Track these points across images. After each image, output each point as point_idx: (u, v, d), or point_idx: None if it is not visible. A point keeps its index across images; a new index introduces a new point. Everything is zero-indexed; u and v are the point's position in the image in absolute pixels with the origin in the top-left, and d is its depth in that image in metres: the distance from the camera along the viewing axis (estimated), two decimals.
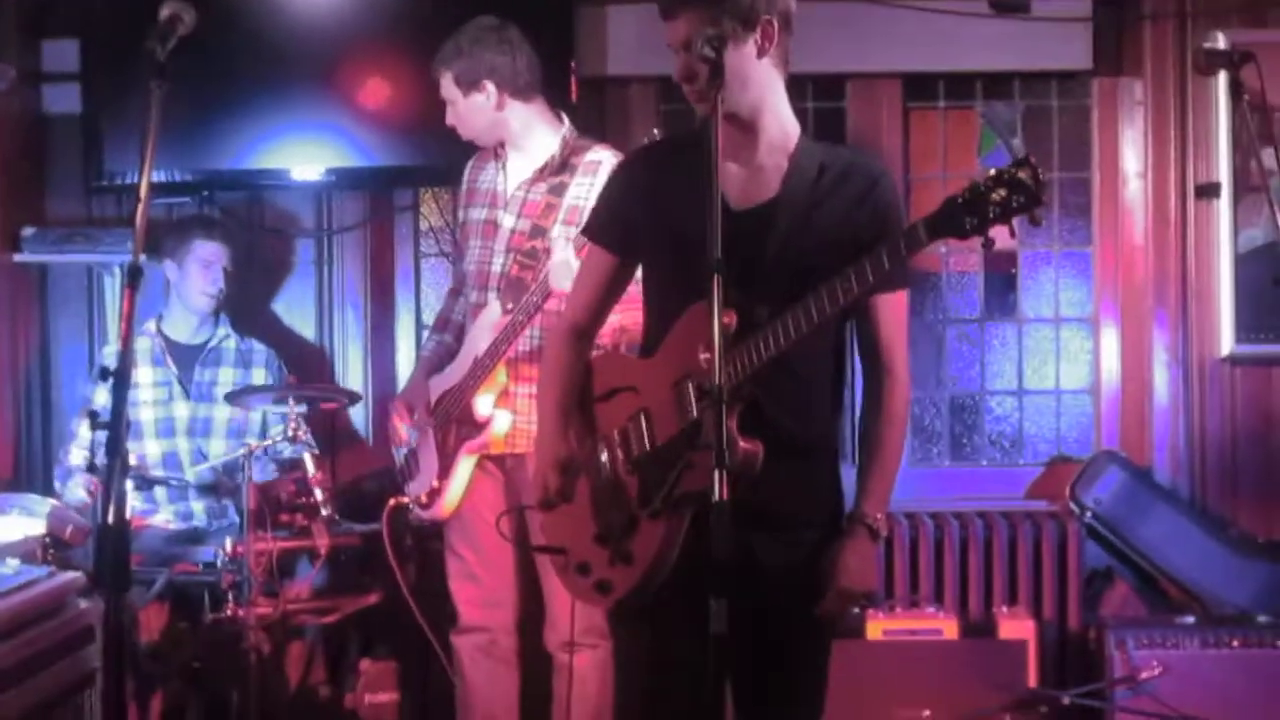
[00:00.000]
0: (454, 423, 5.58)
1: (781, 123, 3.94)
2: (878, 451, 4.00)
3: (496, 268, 5.52)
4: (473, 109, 5.52)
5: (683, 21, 3.80)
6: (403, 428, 5.79)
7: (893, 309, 3.97)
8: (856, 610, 6.02)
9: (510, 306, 5.38)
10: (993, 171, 3.40)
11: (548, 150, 5.54)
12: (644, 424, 3.90)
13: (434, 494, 5.62)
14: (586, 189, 5.41)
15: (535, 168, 5.54)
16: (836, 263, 3.63)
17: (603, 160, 5.49)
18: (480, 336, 5.50)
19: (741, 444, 3.64)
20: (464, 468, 5.57)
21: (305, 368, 7.15)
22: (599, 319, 4.24)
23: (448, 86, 5.55)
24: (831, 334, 3.95)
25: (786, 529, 3.94)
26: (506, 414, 5.45)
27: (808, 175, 3.88)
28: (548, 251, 5.36)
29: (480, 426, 5.48)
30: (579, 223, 5.27)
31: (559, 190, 5.48)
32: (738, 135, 3.88)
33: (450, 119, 5.61)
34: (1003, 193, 3.34)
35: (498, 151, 5.65)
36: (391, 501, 5.87)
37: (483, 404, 5.46)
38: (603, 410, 4.08)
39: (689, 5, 3.79)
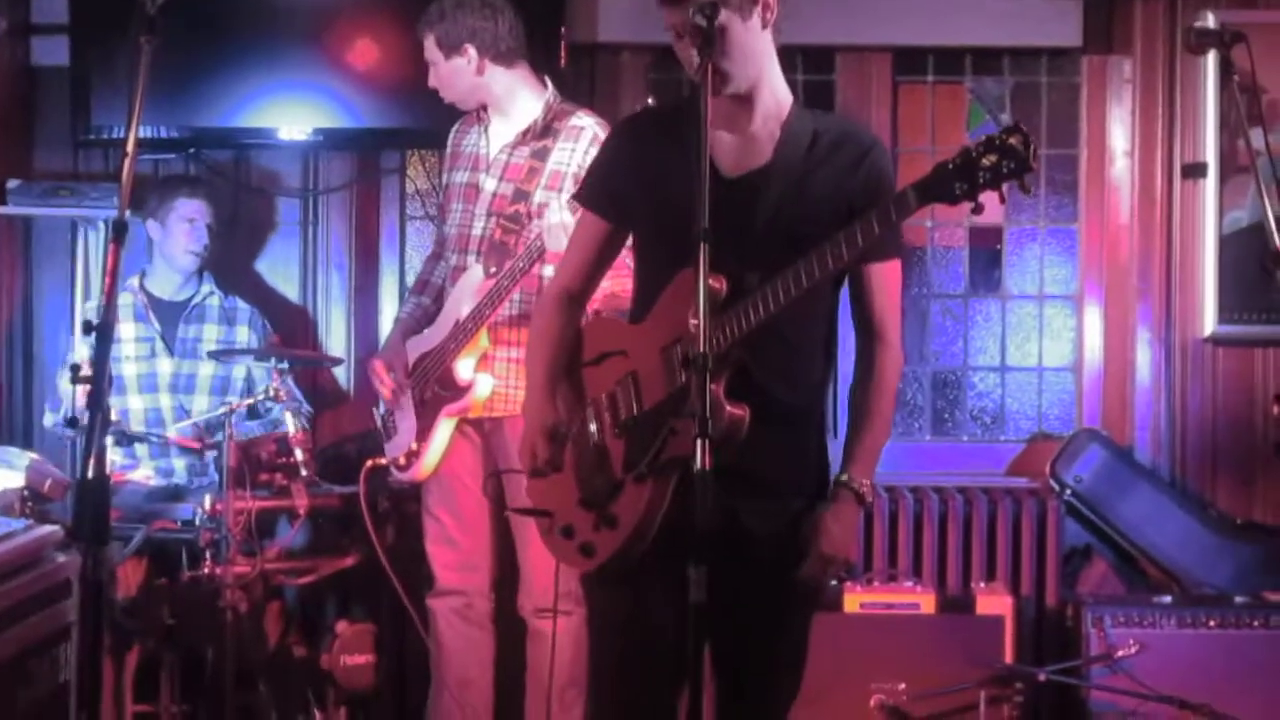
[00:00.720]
0: (433, 385, 5.57)
1: (775, 92, 3.94)
2: (868, 419, 3.99)
3: (478, 231, 5.52)
4: (454, 72, 5.52)
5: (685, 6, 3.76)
6: (383, 389, 5.77)
7: (885, 278, 3.97)
8: (835, 582, 6.01)
9: (493, 270, 5.37)
10: (984, 138, 3.40)
11: (530, 115, 5.53)
12: (632, 388, 3.89)
13: (412, 456, 5.62)
14: (569, 154, 5.43)
15: (518, 130, 5.53)
16: (828, 230, 3.65)
17: (585, 126, 5.48)
18: (462, 299, 5.49)
19: (728, 409, 3.66)
20: (443, 430, 5.56)
21: (288, 328, 7.14)
22: (591, 285, 4.22)
23: (430, 49, 5.55)
24: (823, 302, 3.96)
25: (772, 496, 3.94)
26: (488, 378, 5.45)
27: (801, 143, 3.89)
28: (530, 215, 5.37)
29: (461, 390, 5.47)
30: (561, 188, 5.32)
31: (542, 154, 5.48)
32: (733, 105, 3.88)
33: (432, 81, 5.62)
34: (993, 158, 3.35)
35: (480, 115, 5.65)
36: (369, 463, 5.87)
37: (464, 367, 5.46)
38: (591, 374, 4.07)
39: None
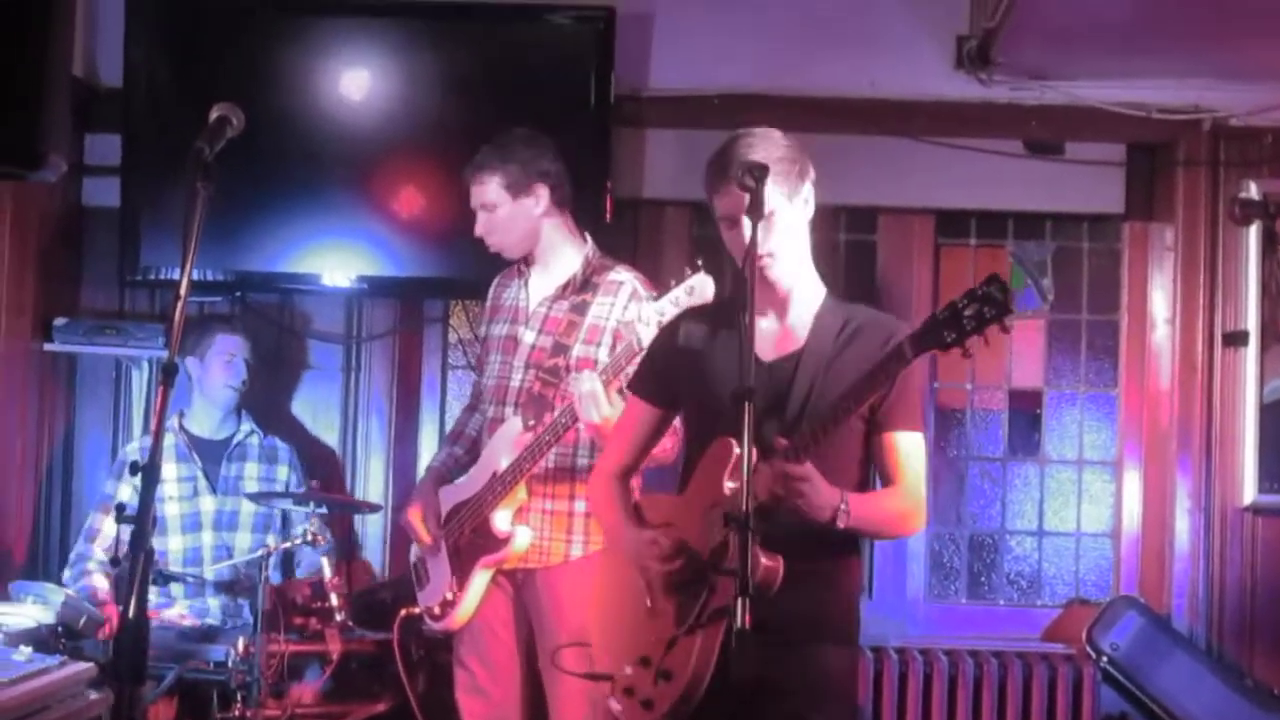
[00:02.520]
0: (468, 534, 5.56)
1: (812, 283, 4.29)
2: (884, 491, 4.23)
3: (516, 383, 5.52)
4: (518, 215, 5.51)
5: (728, 195, 4.08)
6: (418, 537, 5.74)
7: (905, 447, 4.18)
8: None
9: (531, 422, 5.39)
10: (967, 291, 3.66)
11: (570, 268, 5.55)
12: (679, 553, 4.09)
13: (448, 605, 5.59)
14: (608, 308, 5.44)
15: (558, 284, 5.55)
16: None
17: (625, 280, 5.50)
18: (499, 451, 5.48)
19: (763, 561, 3.81)
20: (479, 580, 5.53)
21: (327, 472, 7.16)
22: (639, 461, 4.62)
23: (493, 191, 5.52)
24: (849, 471, 4.16)
25: (804, 644, 4.11)
26: (526, 530, 5.44)
27: (831, 330, 4.19)
28: (568, 369, 5.39)
29: (500, 541, 5.45)
30: (600, 342, 5.36)
31: (581, 308, 5.48)
32: (773, 296, 4.21)
33: (484, 227, 5.59)
34: (976, 307, 3.63)
35: (521, 268, 5.65)
36: (403, 612, 5.85)
37: (501, 519, 5.45)
38: None
39: (727, 178, 4.07)
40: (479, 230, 5.59)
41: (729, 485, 3.94)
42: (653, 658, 4.08)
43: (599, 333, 5.39)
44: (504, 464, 5.43)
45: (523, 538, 5.43)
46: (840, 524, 3.97)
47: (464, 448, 5.83)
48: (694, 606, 4.00)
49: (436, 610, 5.63)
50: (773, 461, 3.85)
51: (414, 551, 5.83)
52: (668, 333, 4.55)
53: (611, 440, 4.70)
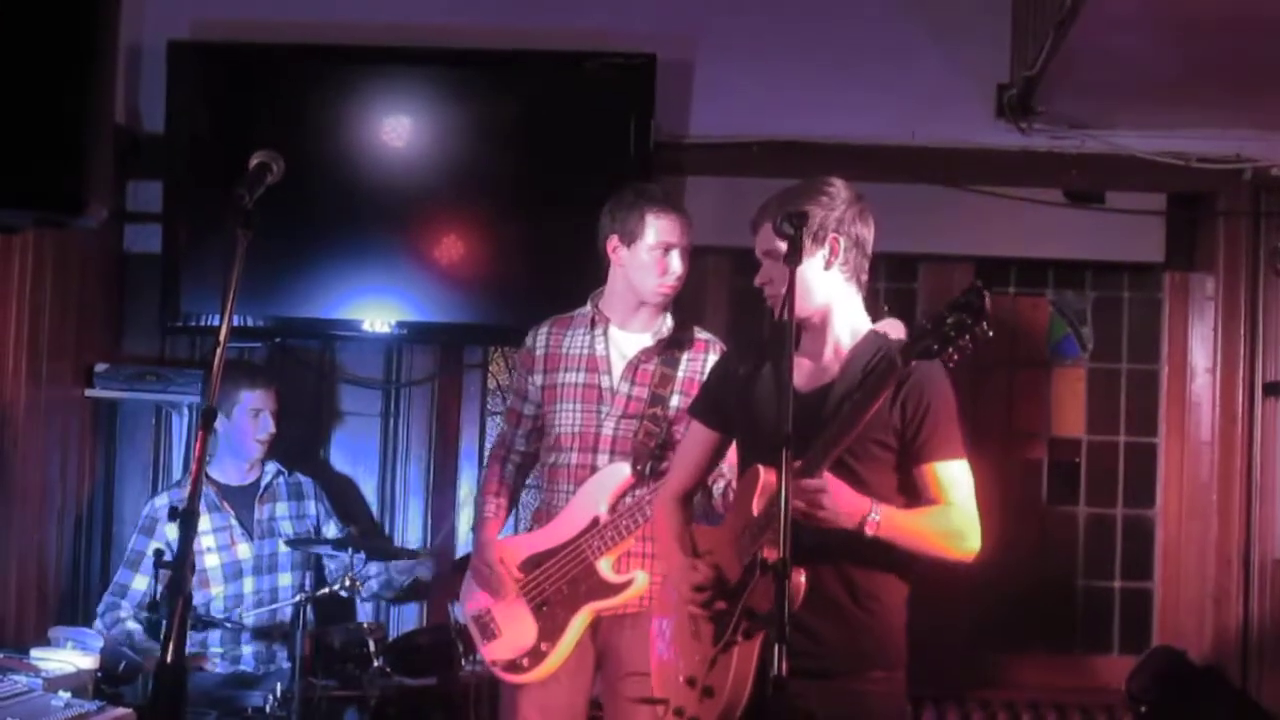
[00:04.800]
0: (563, 582, 5.54)
1: (851, 327, 4.42)
2: (926, 509, 4.27)
3: (609, 431, 5.54)
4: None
5: (764, 232, 4.37)
6: (498, 585, 5.66)
7: (948, 475, 4.27)
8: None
9: (640, 468, 5.45)
10: (947, 301, 3.84)
11: (658, 323, 5.62)
12: (716, 577, 4.27)
13: (539, 656, 5.51)
14: (701, 364, 5.54)
15: (651, 336, 5.60)
16: (875, 433, 4.19)
17: (710, 339, 5.66)
18: (598, 497, 5.49)
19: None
20: (577, 628, 5.52)
21: (366, 518, 7.17)
22: (698, 483, 4.85)
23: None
24: (894, 501, 4.24)
25: (842, 676, 4.25)
26: (644, 574, 5.44)
27: (862, 362, 4.28)
28: (667, 419, 5.48)
29: (614, 586, 5.45)
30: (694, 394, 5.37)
31: (671, 363, 5.57)
32: (808, 333, 4.41)
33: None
34: (956, 315, 3.78)
35: (596, 319, 5.63)
36: (495, 666, 5.68)
37: (608, 564, 5.46)
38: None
39: (765, 219, 4.36)
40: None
41: (757, 508, 4.15)
42: (698, 677, 4.25)
43: (697, 385, 5.36)
44: (603, 509, 5.46)
45: (642, 581, 5.42)
46: (869, 531, 4.08)
47: (508, 498, 5.82)
48: (726, 625, 4.16)
49: (525, 662, 5.53)
50: (793, 483, 3.91)
51: (476, 601, 5.72)
52: (721, 363, 4.86)
53: (675, 463, 4.92)
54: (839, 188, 4.36)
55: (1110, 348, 7.39)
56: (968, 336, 3.78)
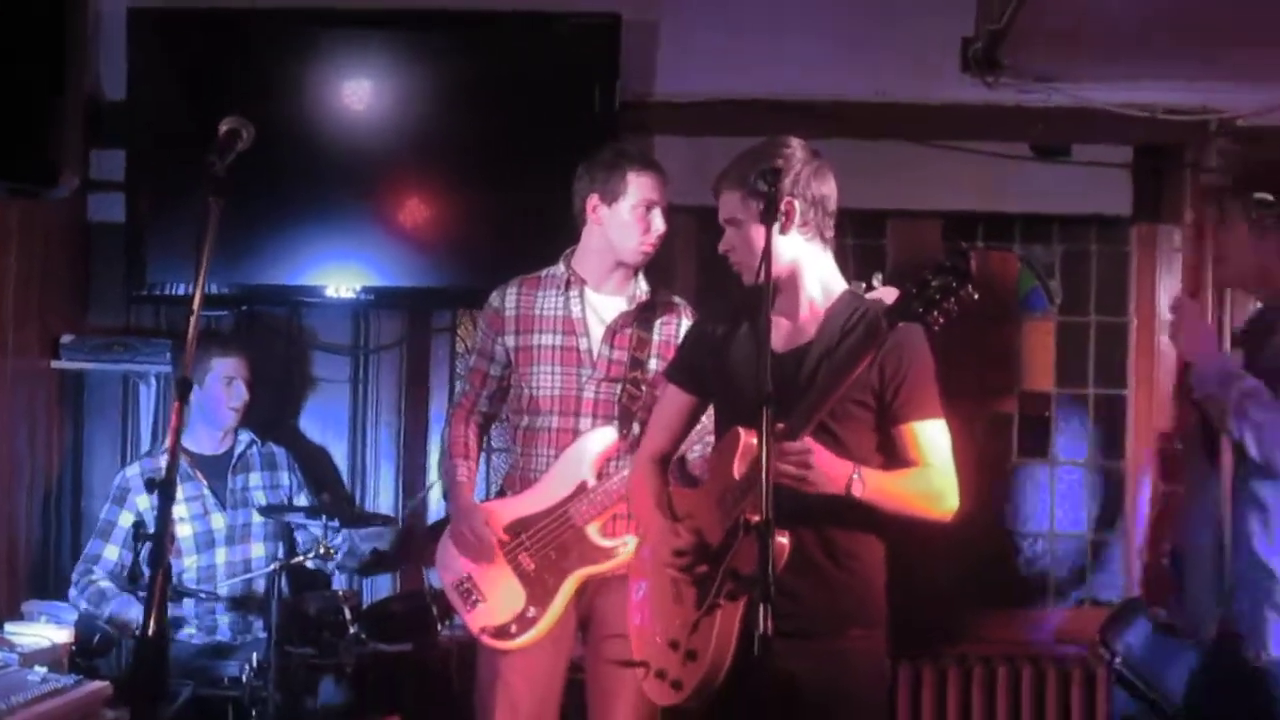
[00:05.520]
0: (550, 548, 5.50)
1: (823, 284, 4.44)
2: (907, 471, 4.30)
3: (589, 395, 5.51)
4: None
5: (724, 200, 4.42)
6: (484, 550, 5.58)
7: (925, 435, 4.29)
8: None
9: (625, 432, 5.45)
10: (933, 264, 3.86)
11: (632, 287, 5.59)
12: (697, 540, 4.28)
13: (528, 622, 5.46)
14: (675, 327, 5.55)
15: (627, 300, 5.57)
16: (854, 392, 4.17)
17: (681, 303, 5.66)
18: (582, 461, 5.46)
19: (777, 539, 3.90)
20: (566, 592, 5.48)
21: (336, 484, 7.16)
22: (675, 447, 4.79)
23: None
24: (874, 461, 4.28)
25: (822, 636, 4.27)
26: (634, 537, 5.39)
27: (839, 322, 4.33)
28: (646, 383, 5.47)
29: (604, 550, 5.42)
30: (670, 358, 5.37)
31: (647, 327, 5.55)
32: (781, 294, 4.39)
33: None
34: (942, 279, 3.82)
35: (571, 280, 5.59)
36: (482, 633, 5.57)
37: (596, 528, 5.44)
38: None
39: (729, 186, 4.39)
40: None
41: (738, 470, 4.15)
42: (680, 640, 4.26)
43: (673, 349, 5.36)
44: (588, 473, 5.45)
45: (633, 545, 5.39)
46: (855, 493, 4.10)
47: (476, 460, 5.78)
48: (709, 588, 4.17)
49: (514, 628, 5.46)
50: (776, 446, 3.92)
51: (455, 568, 5.62)
52: (697, 325, 4.87)
53: (650, 427, 4.85)
54: (794, 148, 4.35)
55: (1078, 301, 7.41)
56: (953, 299, 3.81)
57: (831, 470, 4.07)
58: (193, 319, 3.82)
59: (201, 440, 6.76)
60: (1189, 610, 4.96)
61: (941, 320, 3.84)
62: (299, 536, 6.64)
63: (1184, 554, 4.96)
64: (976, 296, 3.80)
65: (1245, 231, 4.87)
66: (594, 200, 5.51)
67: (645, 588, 4.54)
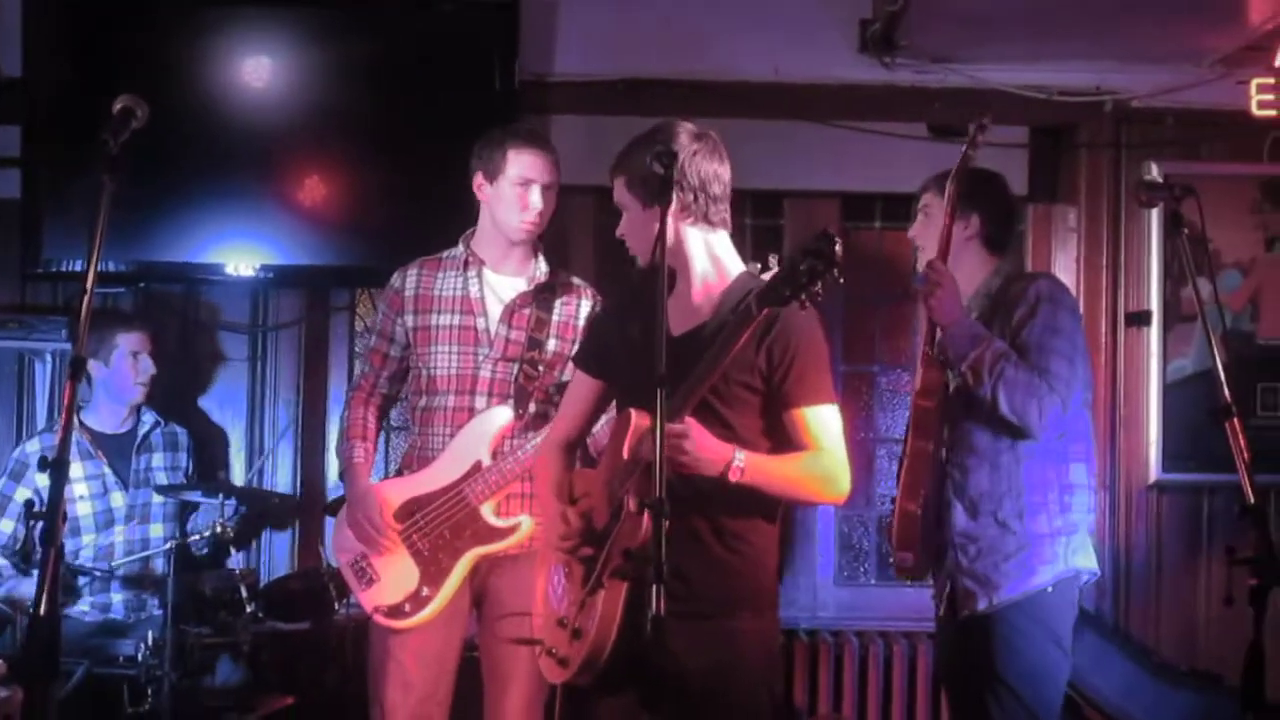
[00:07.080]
0: (445, 528, 5.48)
1: (717, 266, 4.40)
2: (788, 455, 4.27)
3: (486, 374, 5.50)
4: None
5: (616, 188, 4.42)
6: (377, 534, 5.52)
7: (816, 420, 4.27)
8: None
9: (522, 413, 5.44)
10: (800, 247, 3.84)
11: (531, 267, 5.59)
12: (587, 522, 4.30)
13: (421, 601, 5.44)
14: (575, 306, 5.56)
15: (527, 280, 5.57)
16: (745, 377, 4.21)
17: (580, 284, 5.66)
18: (479, 441, 5.44)
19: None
20: (460, 572, 5.47)
21: (234, 463, 7.13)
22: (583, 433, 4.79)
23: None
24: (762, 443, 4.27)
25: (712, 618, 4.26)
26: (529, 519, 5.41)
27: (733, 303, 4.27)
28: (544, 363, 5.47)
29: (500, 530, 5.41)
30: (573, 339, 5.44)
31: (546, 307, 5.54)
32: (678, 279, 4.39)
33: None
34: (809, 263, 3.78)
35: (469, 260, 5.58)
36: (375, 613, 5.55)
37: (491, 508, 5.44)
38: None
39: (616, 173, 4.41)
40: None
41: (626, 451, 4.11)
42: (568, 618, 4.27)
43: (571, 329, 5.45)
44: (485, 453, 5.43)
45: (527, 525, 5.39)
46: (733, 478, 4.08)
47: (373, 441, 5.76)
48: (593, 568, 4.18)
49: (407, 607, 5.43)
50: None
51: (350, 547, 5.59)
52: (601, 311, 5.01)
53: (559, 412, 4.85)
54: (678, 133, 4.32)
55: None
56: (819, 283, 3.80)
57: (710, 453, 4.06)
58: (86, 298, 3.80)
59: (104, 418, 6.72)
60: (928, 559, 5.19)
61: (808, 303, 3.84)
62: (197, 517, 6.62)
63: (929, 506, 5.10)
64: (842, 280, 3.81)
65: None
66: (479, 178, 5.51)
67: (559, 569, 4.53)
